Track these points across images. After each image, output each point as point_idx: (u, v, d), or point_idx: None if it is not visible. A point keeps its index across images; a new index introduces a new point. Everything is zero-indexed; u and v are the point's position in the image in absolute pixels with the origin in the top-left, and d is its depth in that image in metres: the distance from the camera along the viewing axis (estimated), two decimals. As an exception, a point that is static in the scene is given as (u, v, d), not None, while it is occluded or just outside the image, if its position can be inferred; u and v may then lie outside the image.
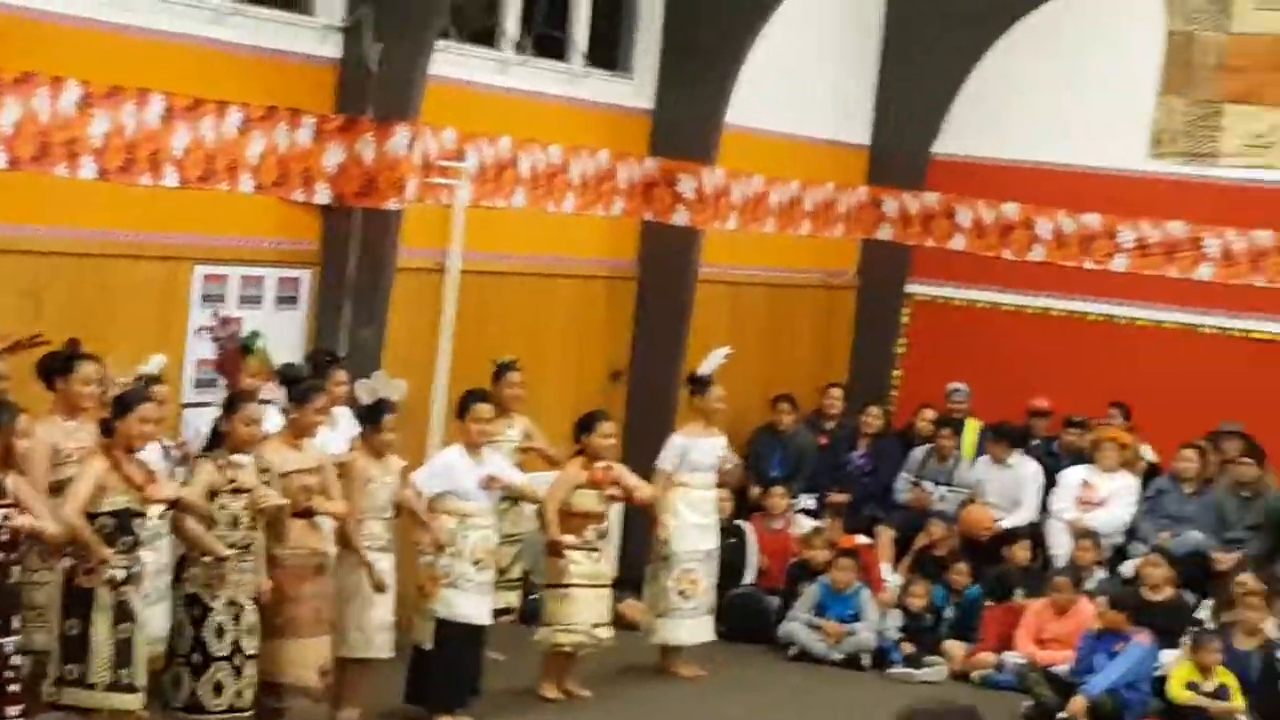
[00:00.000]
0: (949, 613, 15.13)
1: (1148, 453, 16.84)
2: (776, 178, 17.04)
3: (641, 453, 14.74)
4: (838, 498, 16.61)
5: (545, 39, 15.10)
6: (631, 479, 12.94)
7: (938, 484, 16.66)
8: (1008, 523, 16.13)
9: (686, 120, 15.62)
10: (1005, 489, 16.43)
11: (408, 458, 11.75)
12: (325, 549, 10.83)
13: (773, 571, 15.57)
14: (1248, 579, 14.28)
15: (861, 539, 15.96)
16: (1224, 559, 15.34)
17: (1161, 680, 13.73)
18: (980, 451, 16.85)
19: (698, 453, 13.63)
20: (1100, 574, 15.45)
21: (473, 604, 11.72)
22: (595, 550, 12.68)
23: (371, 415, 11.35)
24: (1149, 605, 14.42)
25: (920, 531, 16.17)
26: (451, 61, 13.74)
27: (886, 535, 16.28)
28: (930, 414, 17.24)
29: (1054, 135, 17.92)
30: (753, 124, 16.28)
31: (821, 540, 15.31)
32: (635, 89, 15.72)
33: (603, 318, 15.64)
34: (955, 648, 14.79)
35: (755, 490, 16.05)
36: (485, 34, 14.60)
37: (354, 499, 11.06)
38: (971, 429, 17.26)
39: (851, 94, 18.03)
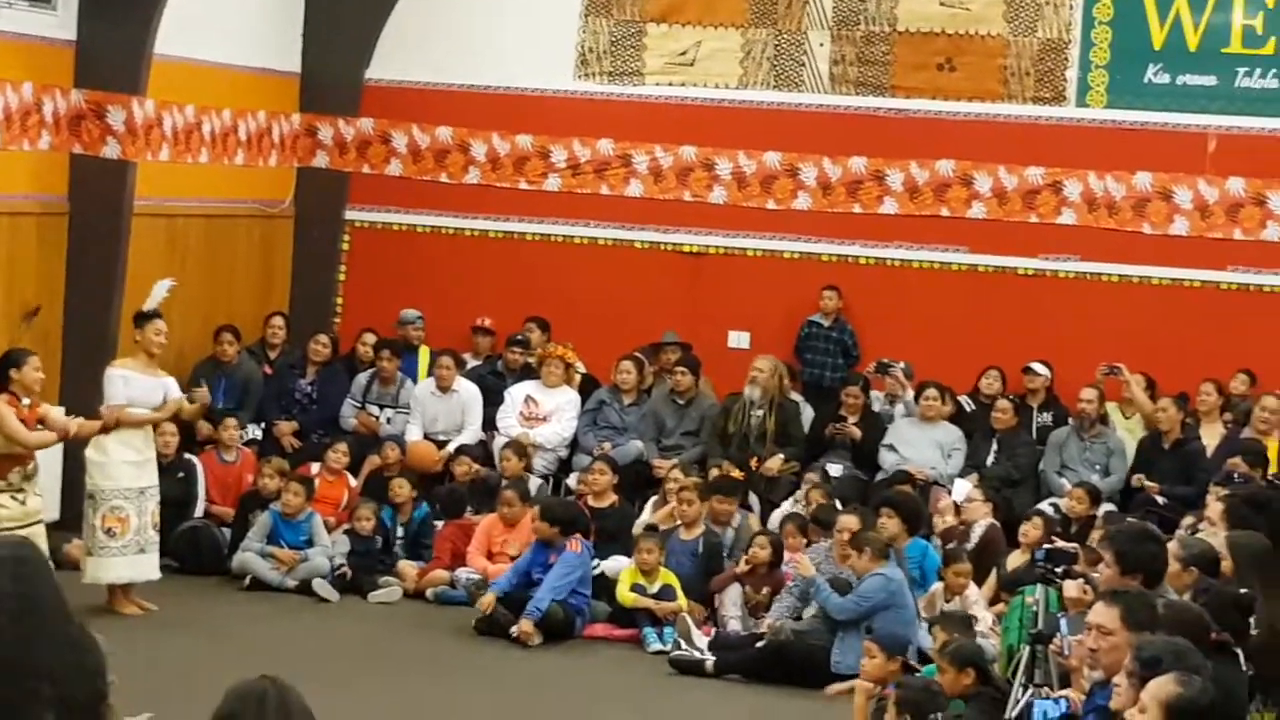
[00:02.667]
0: (399, 533, 15.29)
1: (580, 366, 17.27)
2: (208, 107, 16.83)
3: (79, 390, 14.50)
4: (285, 426, 16.57)
5: (-42, -30, 14.60)
6: (55, 416, 12.74)
7: (383, 408, 16.77)
8: (454, 444, 16.36)
9: (112, 51, 15.29)
10: (450, 413, 16.63)
11: None
12: None
13: (226, 504, 15.49)
14: (679, 476, 14.91)
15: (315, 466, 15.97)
16: (663, 465, 15.91)
17: (612, 584, 14.17)
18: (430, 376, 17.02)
19: (138, 389, 13.46)
20: (537, 482, 15.90)
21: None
22: (21, 492, 12.40)
23: None
24: (594, 512, 14.85)
25: (371, 455, 16.27)
26: None
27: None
28: (371, 339, 17.31)
29: (484, 58, 18.11)
30: (181, 53, 16.03)
31: (272, 468, 15.27)
32: (58, 20, 15.29)
33: (34, 255, 15.23)
34: (408, 567, 14.95)
35: (204, 424, 15.86)
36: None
37: None
38: (425, 354, 17.40)
39: (280, 20, 17.89)
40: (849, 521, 13.34)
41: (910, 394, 16.32)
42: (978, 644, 11.25)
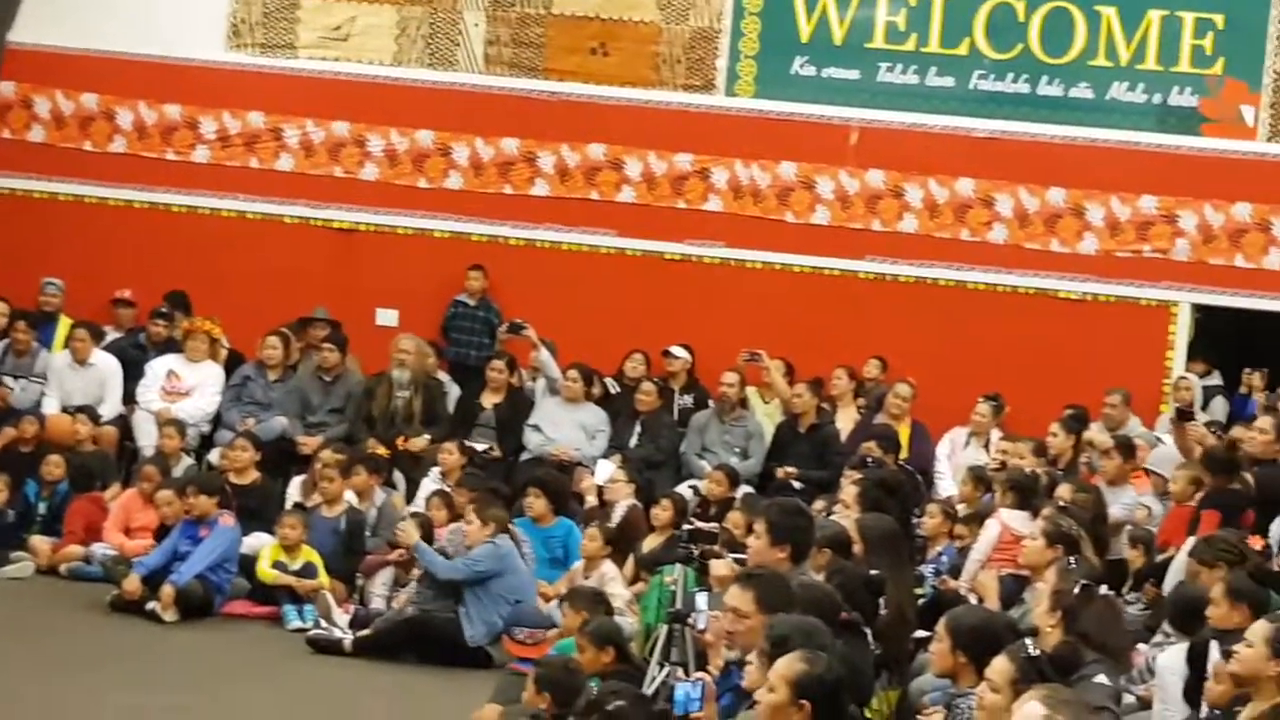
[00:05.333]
0: (42, 509, 14.97)
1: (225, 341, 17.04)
2: None
3: None
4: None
5: None
6: None
7: (17, 378, 16.35)
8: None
9: None
10: (88, 386, 16.28)
11: None
12: None
13: None
14: (326, 454, 14.82)
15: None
16: (308, 442, 15.80)
17: (253, 561, 14.03)
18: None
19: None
20: (188, 462, 15.63)
21: None
22: None
23: None
24: (236, 489, 14.68)
25: (6, 427, 15.86)
26: None
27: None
28: (2, 308, 16.82)
29: (133, 24, 17.74)
30: None
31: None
32: None
33: None
34: (42, 543, 14.62)
35: None
36: None
37: None
38: (64, 325, 16.98)
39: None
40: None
41: (545, 354, 16.35)
42: (616, 622, 11.39)
